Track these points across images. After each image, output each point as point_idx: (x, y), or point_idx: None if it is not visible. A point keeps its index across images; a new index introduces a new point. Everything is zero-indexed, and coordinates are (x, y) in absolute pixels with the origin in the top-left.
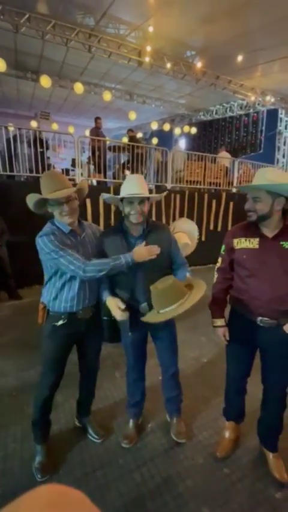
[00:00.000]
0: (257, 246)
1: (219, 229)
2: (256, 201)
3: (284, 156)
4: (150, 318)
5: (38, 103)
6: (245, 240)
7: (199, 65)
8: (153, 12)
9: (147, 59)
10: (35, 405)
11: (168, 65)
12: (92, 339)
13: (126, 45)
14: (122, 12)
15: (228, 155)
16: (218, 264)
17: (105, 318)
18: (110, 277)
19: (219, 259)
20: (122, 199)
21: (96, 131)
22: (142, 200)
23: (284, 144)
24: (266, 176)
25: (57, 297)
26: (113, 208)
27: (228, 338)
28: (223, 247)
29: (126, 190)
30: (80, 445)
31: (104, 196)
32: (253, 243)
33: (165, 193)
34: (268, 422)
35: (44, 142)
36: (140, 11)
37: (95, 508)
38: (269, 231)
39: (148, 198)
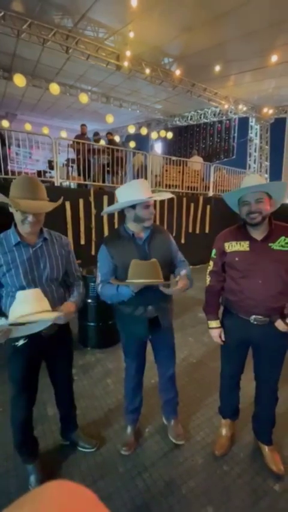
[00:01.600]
0: (247, 249)
1: (197, 231)
2: (260, 201)
3: (254, 162)
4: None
5: (10, 102)
6: (236, 243)
7: (177, 72)
8: (133, 18)
9: (125, 64)
10: (14, 428)
11: (147, 71)
12: (61, 352)
13: (105, 49)
14: (101, 16)
15: (200, 159)
16: (210, 268)
17: (92, 323)
18: (120, 279)
19: (211, 263)
20: (131, 207)
21: (82, 138)
22: (152, 204)
23: (255, 150)
24: (257, 180)
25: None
26: (93, 211)
27: (224, 339)
28: (214, 251)
29: (136, 195)
30: (76, 457)
31: (109, 209)
32: (244, 246)
33: (170, 195)
34: (262, 417)
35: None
36: (120, 16)
37: (105, 509)
38: (258, 234)
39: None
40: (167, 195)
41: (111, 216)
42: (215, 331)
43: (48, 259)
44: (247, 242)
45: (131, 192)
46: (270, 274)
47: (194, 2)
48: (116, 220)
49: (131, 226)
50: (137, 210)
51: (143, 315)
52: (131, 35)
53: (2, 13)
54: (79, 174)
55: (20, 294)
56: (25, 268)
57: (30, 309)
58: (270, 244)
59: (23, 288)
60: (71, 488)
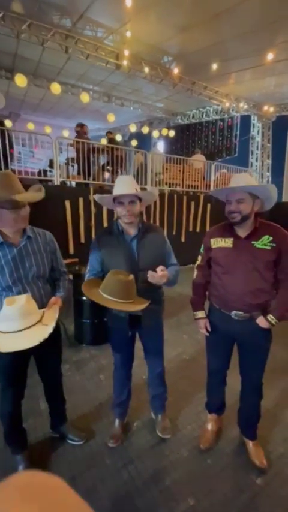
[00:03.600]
0: (231, 245)
1: (198, 230)
2: (241, 202)
3: (257, 160)
4: (94, 296)
5: (13, 102)
6: (221, 239)
7: (176, 70)
8: (131, 17)
9: (125, 63)
10: (3, 421)
11: (146, 69)
12: (49, 347)
13: (104, 48)
14: (100, 16)
15: (202, 158)
16: (198, 262)
17: (87, 320)
18: (104, 274)
19: (199, 257)
20: (114, 201)
21: (82, 137)
22: (132, 201)
23: (257, 148)
24: (245, 180)
25: None
26: (93, 210)
27: (210, 329)
28: (202, 246)
29: (116, 191)
30: (65, 449)
31: (96, 197)
32: (228, 242)
33: (156, 192)
34: (246, 412)
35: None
36: (118, 16)
37: (76, 496)
38: (243, 232)
39: (140, 199)
40: (150, 196)
41: (111, 214)
42: (201, 321)
43: (33, 257)
44: (231, 239)
45: (114, 187)
46: (250, 271)
47: (191, 1)
48: (115, 219)
49: (121, 222)
50: (116, 205)
51: (122, 312)
52: (129, 34)
53: (2, 14)
54: (78, 173)
55: (6, 309)
56: (10, 268)
57: (17, 325)
58: (253, 242)
59: (9, 287)
60: (41, 477)
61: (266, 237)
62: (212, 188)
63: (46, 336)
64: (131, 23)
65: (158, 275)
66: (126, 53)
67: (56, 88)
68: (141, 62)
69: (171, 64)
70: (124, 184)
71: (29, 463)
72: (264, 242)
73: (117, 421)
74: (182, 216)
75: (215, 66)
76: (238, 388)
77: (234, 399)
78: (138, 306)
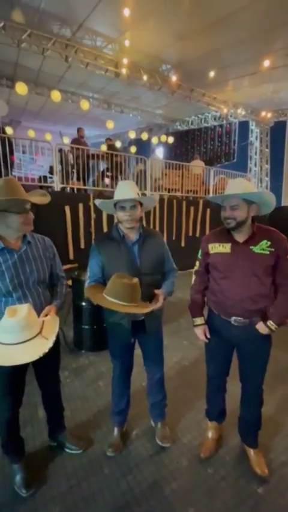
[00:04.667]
0: (229, 251)
1: (197, 235)
2: (235, 209)
3: (255, 165)
4: (99, 299)
5: (14, 110)
6: (219, 245)
7: (174, 78)
8: (129, 27)
9: (124, 71)
10: (0, 429)
11: (145, 77)
12: (48, 354)
13: (103, 57)
14: (99, 25)
15: (201, 163)
16: (196, 267)
17: (86, 326)
18: (105, 280)
19: (197, 263)
20: (115, 206)
21: (79, 141)
22: (134, 205)
23: (255, 153)
24: (240, 186)
25: None
26: (93, 215)
27: (209, 336)
28: (199, 251)
29: (117, 196)
30: (63, 458)
31: (97, 202)
32: (226, 248)
33: (157, 197)
34: (247, 420)
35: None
36: (116, 25)
37: None
38: (240, 237)
39: (141, 204)
40: (150, 201)
41: (110, 219)
42: (199, 328)
43: (33, 262)
44: (229, 244)
45: (116, 192)
46: (249, 276)
47: (187, 11)
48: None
49: (122, 227)
50: (117, 210)
51: (126, 317)
52: (127, 43)
53: (2, 23)
54: (78, 179)
55: (7, 321)
56: (11, 273)
57: (17, 338)
58: (251, 247)
59: (9, 293)
60: None
61: (264, 241)
62: (211, 193)
63: (46, 350)
64: (129, 32)
65: (160, 304)
66: (125, 61)
67: (56, 96)
68: (140, 70)
69: (169, 72)
70: (125, 189)
71: (27, 473)
72: (262, 247)
73: (116, 430)
74: (181, 221)
75: (212, 73)
76: (238, 395)
77: (234, 406)
78: (144, 309)
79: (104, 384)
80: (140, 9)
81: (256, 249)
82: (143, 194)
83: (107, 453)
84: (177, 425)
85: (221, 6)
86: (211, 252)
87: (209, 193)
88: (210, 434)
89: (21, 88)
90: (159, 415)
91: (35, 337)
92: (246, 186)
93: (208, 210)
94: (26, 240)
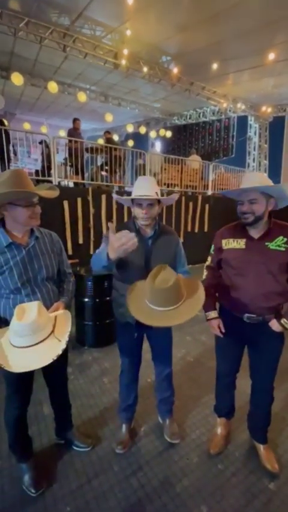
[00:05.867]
0: (243, 247)
1: (196, 230)
2: (253, 203)
3: (253, 161)
4: (145, 318)
5: (8, 102)
6: (233, 240)
7: (175, 70)
8: (130, 16)
9: (123, 62)
10: (8, 428)
11: (145, 69)
12: None
13: (102, 47)
14: (99, 14)
15: (198, 158)
16: (208, 262)
17: (89, 322)
18: (118, 275)
19: (209, 258)
20: (132, 201)
21: (74, 132)
22: (151, 203)
23: (254, 149)
24: (258, 179)
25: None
26: (91, 210)
27: (223, 330)
28: (212, 247)
29: (136, 191)
30: (71, 456)
31: (115, 196)
32: (240, 244)
33: (176, 197)
34: (257, 416)
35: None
36: (117, 14)
37: None
38: (256, 233)
39: (159, 201)
40: (167, 200)
41: (109, 214)
42: (213, 321)
43: (42, 258)
44: (244, 240)
45: (134, 187)
46: (263, 273)
47: (190, 1)
48: (114, 220)
49: (138, 222)
50: (134, 206)
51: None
52: (128, 33)
53: None
54: (77, 173)
55: (17, 325)
56: (19, 269)
57: (29, 341)
58: (267, 243)
59: (18, 290)
60: None
61: (281, 238)
62: (210, 188)
63: (60, 352)
64: (130, 22)
65: None
66: (125, 52)
67: (53, 87)
68: (139, 62)
69: (169, 64)
70: (144, 186)
71: (35, 472)
72: (278, 243)
73: (124, 426)
74: (180, 216)
75: (213, 66)
76: (246, 390)
77: (242, 401)
78: (189, 313)
79: (108, 381)
80: None
81: (272, 245)
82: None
83: (116, 450)
84: (184, 422)
85: None
86: (225, 247)
87: (207, 188)
88: (219, 430)
89: (17, 78)
90: (167, 411)
91: (47, 337)
92: (264, 179)
93: (207, 206)
94: (34, 235)
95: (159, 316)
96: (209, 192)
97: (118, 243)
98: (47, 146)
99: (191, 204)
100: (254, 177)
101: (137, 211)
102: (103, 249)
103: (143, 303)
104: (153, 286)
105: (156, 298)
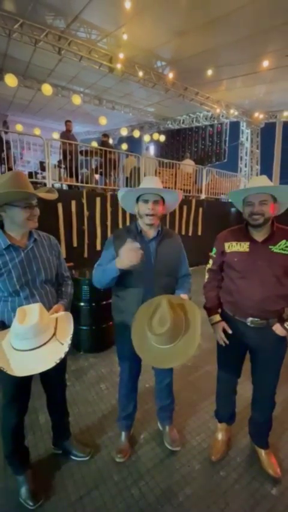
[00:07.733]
0: (247, 250)
1: (190, 234)
2: (264, 204)
3: (246, 166)
4: (151, 360)
5: (0, 104)
6: (236, 243)
7: (170, 75)
8: (126, 21)
9: (118, 66)
10: (4, 438)
11: (140, 73)
12: None
13: (98, 51)
14: (94, 18)
15: (192, 163)
16: (209, 265)
17: (84, 327)
18: (119, 280)
19: (210, 261)
20: (137, 200)
21: (67, 134)
22: (157, 201)
23: (246, 154)
24: (265, 182)
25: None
26: (85, 213)
27: (229, 331)
28: (214, 250)
29: (142, 186)
30: (69, 466)
31: (120, 192)
32: (244, 247)
33: (181, 194)
34: (259, 421)
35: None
36: (113, 18)
37: None
38: (259, 236)
39: (164, 202)
40: (173, 198)
41: (103, 218)
42: (218, 325)
43: (40, 260)
44: (247, 243)
45: (142, 184)
46: (268, 276)
47: (187, 7)
48: (109, 223)
49: (140, 223)
50: (139, 203)
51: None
52: (125, 37)
53: None
54: (71, 176)
55: (19, 328)
56: (18, 272)
57: (31, 344)
58: (270, 247)
59: (16, 292)
60: None
61: (284, 241)
62: (203, 192)
63: (63, 356)
64: (126, 26)
65: None
66: (121, 56)
67: (47, 89)
68: (134, 66)
69: (164, 69)
70: (151, 182)
71: (33, 484)
72: (281, 247)
73: (123, 434)
74: (174, 220)
75: (207, 72)
76: (247, 394)
77: (243, 406)
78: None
79: (105, 387)
80: (138, 2)
81: (275, 248)
82: None
83: (115, 459)
84: (184, 428)
85: (219, 5)
86: (227, 250)
87: (201, 192)
88: (220, 436)
89: (10, 80)
90: (167, 418)
91: (50, 340)
92: (269, 182)
93: (200, 209)
94: (32, 238)
95: (160, 356)
96: (203, 196)
97: (128, 257)
98: None
99: (185, 207)
100: (262, 179)
101: (143, 208)
102: (108, 262)
103: (145, 338)
104: (151, 330)
105: (155, 339)
